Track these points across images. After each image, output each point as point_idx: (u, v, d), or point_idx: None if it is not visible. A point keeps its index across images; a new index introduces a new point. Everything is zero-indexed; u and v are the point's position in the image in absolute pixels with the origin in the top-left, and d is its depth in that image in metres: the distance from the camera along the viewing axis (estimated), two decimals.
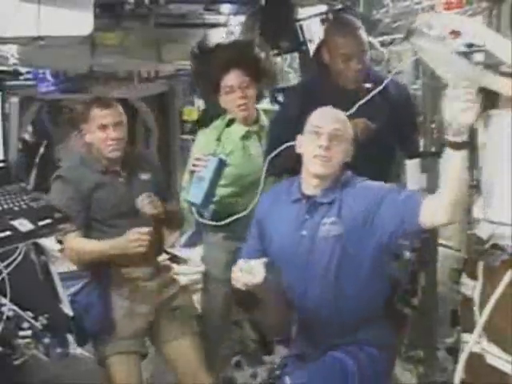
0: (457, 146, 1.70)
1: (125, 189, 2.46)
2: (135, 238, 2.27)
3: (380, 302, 2.05)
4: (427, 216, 1.83)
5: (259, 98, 2.71)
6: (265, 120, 2.66)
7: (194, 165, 2.34)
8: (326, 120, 2.02)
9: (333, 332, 2.01)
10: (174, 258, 2.77)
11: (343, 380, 1.93)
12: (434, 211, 1.82)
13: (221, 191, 2.52)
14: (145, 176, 2.52)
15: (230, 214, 2.40)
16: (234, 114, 2.62)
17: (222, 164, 2.29)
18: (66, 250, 2.40)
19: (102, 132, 2.41)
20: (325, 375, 1.93)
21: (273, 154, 2.24)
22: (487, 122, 1.94)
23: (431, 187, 2.17)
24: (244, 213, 2.33)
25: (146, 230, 2.31)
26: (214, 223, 2.48)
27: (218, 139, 2.60)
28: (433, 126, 2.50)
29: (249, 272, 1.85)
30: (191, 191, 2.33)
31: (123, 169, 2.48)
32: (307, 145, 2.01)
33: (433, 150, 2.27)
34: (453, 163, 1.74)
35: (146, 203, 2.36)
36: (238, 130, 2.62)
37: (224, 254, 2.62)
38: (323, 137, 1.97)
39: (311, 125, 2.02)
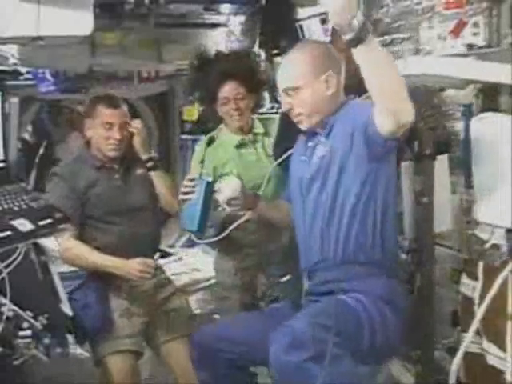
0: (350, 44, 1.59)
1: (121, 185, 2.46)
2: (140, 269, 2.29)
3: (377, 240, 1.91)
4: (379, 126, 1.74)
5: (257, 107, 2.73)
6: (260, 128, 2.68)
7: (182, 193, 2.29)
8: (280, 81, 2.00)
9: (335, 272, 1.91)
10: (165, 254, 2.78)
11: (352, 322, 1.80)
12: (378, 119, 1.73)
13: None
14: (140, 171, 2.51)
15: (233, 222, 2.41)
16: (228, 123, 2.64)
17: (209, 185, 2.23)
18: (62, 249, 2.37)
19: (105, 130, 2.40)
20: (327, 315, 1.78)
21: (279, 161, 2.28)
22: (480, 125, 1.95)
23: (426, 190, 2.17)
24: (244, 218, 2.31)
25: (152, 263, 2.34)
26: (215, 239, 2.46)
27: (202, 161, 2.62)
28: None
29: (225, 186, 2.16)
30: (185, 219, 2.28)
31: (120, 165, 2.48)
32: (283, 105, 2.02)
33: (427, 152, 2.27)
34: (360, 63, 1.62)
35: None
36: (233, 139, 2.63)
37: (232, 262, 2.62)
38: (284, 99, 1.98)
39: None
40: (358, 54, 1.60)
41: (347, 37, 1.58)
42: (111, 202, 2.41)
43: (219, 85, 2.55)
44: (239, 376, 2.05)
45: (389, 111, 1.68)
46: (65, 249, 2.37)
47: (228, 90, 2.55)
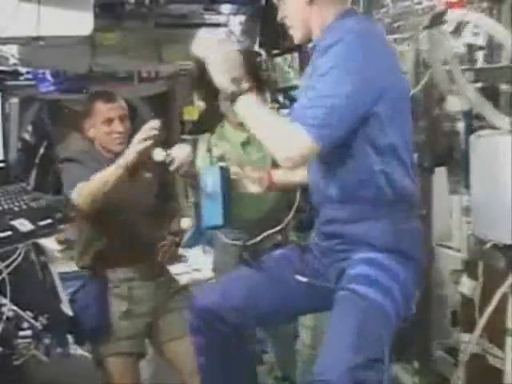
0: (228, 99, 1.66)
1: (128, 185, 2.43)
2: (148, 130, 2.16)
3: (379, 175, 1.65)
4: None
5: None
6: None
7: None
8: None
9: (339, 211, 1.71)
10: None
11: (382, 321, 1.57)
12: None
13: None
14: (147, 174, 2.49)
15: (240, 216, 2.40)
16: (231, 119, 2.65)
17: (224, 171, 2.00)
18: (78, 200, 2.21)
19: (106, 126, 2.38)
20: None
21: None
22: (477, 142, 1.96)
23: (425, 202, 2.18)
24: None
25: (157, 124, 2.20)
26: (241, 243, 2.38)
27: (209, 150, 2.61)
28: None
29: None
30: (206, 216, 2.00)
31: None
32: None
33: (425, 164, 2.27)
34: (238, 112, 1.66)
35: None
36: (239, 136, 2.64)
37: (234, 260, 2.63)
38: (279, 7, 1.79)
39: None
40: (236, 108, 1.66)
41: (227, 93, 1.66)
42: (116, 201, 2.39)
43: None
44: (238, 340, 1.89)
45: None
46: (79, 195, 2.22)
47: None
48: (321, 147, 1.55)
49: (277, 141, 1.61)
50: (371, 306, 1.57)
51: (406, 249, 1.67)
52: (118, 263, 2.39)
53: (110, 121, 2.39)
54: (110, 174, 2.18)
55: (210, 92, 2.64)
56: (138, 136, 2.15)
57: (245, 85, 1.65)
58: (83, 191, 2.20)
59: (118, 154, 2.36)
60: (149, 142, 2.13)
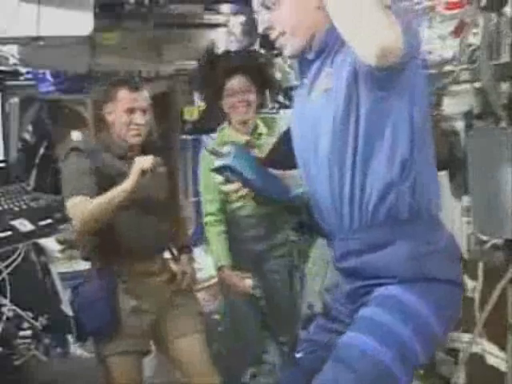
0: None
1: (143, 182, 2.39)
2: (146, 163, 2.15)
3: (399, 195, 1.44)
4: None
5: (261, 106, 2.74)
6: (263, 128, 2.69)
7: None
8: None
9: (354, 241, 1.49)
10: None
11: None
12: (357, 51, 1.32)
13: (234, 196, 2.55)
14: (161, 169, 2.43)
15: (237, 218, 2.41)
16: (232, 117, 2.64)
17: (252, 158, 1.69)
18: (77, 218, 2.15)
19: (127, 116, 2.30)
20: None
21: None
22: (474, 140, 1.96)
23: None
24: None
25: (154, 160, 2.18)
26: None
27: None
28: None
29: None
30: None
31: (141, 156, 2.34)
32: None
33: None
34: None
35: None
36: (238, 139, 2.63)
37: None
38: (261, 15, 1.65)
39: None
40: None
41: None
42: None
43: (227, 78, 2.57)
44: None
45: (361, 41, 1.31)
46: (80, 213, 2.15)
47: (235, 82, 2.57)
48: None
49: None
50: (370, 364, 1.36)
51: (432, 273, 1.43)
52: (125, 257, 2.31)
53: (131, 111, 2.30)
54: (114, 196, 2.14)
55: (214, 92, 2.66)
56: (137, 165, 2.14)
57: None
58: (84, 212, 2.14)
59: (131, 147, 2.33)
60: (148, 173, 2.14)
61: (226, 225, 2.64)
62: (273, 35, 1.56)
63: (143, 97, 2.35)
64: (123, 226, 2.30)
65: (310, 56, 1.55)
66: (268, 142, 2.63)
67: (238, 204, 2.60)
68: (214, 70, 2.64)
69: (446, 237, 1.51)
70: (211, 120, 2.87)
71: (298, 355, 1.62)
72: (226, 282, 2.61)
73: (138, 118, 2.31)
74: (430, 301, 1.41)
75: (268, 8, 1.57)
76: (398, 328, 1.38)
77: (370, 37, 1.27)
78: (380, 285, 1.44)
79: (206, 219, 2.67)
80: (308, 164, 1.56)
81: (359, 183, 1.45)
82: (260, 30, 1.52)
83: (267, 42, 3.37)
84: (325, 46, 1.52)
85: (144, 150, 2.37)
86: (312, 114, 1.52)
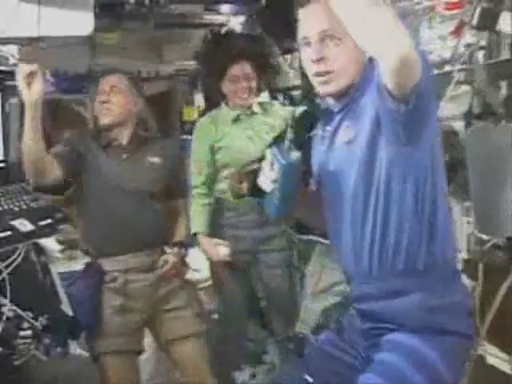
0: None
1: (127, 165, 2.39)
2: None
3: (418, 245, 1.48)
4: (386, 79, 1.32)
5: (258, 91, 2.76)
6: (258, 108, 2.73)
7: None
8: (310, 25, 1.52)
9: (370, 286, 1.53)
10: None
11: None
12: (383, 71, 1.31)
13: (224, 173, 2.63)
14: (155, 159, 2.44)
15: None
16: (232, 101, 2.68)
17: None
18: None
19: (100, 97, 2.42)
20: None
21: None
22: (473, 138, 1.96)
23: None
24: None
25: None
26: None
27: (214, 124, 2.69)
28: None
29: None
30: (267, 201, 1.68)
31: (129, 145, 2.42)
32: (304, 61, 1.58)
33: None
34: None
35: None
36: (230, 113, 2.68)
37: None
38: (315, 47, 1.51)
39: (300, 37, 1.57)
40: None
41: None
42: (113, 178, 2.34)
43: (231, 62, 2.60)
44: None
45: (383, 54, 1.28)
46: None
47: (239, 68, 2.60)
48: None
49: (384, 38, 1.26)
50: None
51: (442, 325, 1.47)
52: (114, 249, 2.32)
53: (102, 93, 2.41)
54: (27, 124, 2.36)
55: (216, 73, 2.67)
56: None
57: None
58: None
59: (106, 127, 2.40)
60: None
61: (212, 200, 2.68)
62: (315, 70, 1.53)
63: (115, 78, 2.47)
64: (116, 214, 2.31)
65: (336, 108, 1.57)
66: (262, 120, 2.68)
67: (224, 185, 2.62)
68: (217, 50, 2.66)
69: (461, 291, 1.55)
70: (212, 98, 2.89)
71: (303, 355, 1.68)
72: (203, 248, 2.66)
73: (105, 96, 2.40)
74: (440, 350, 1.45)
75: (323, 43, 1.50)
76: (412, 374, 1.43)
77: (391, 46, 1.25)
78: (392, 329, 1.50)
79: (193, 192, 2.70)
80: (333, 207, 1.59)
81: (380, 232, 1.49)
82: (313, 56, 1.48)
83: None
84: (349, 100, 1.54)
85: (133, 141, 2.42)
86: (335, 162, 1.56)
